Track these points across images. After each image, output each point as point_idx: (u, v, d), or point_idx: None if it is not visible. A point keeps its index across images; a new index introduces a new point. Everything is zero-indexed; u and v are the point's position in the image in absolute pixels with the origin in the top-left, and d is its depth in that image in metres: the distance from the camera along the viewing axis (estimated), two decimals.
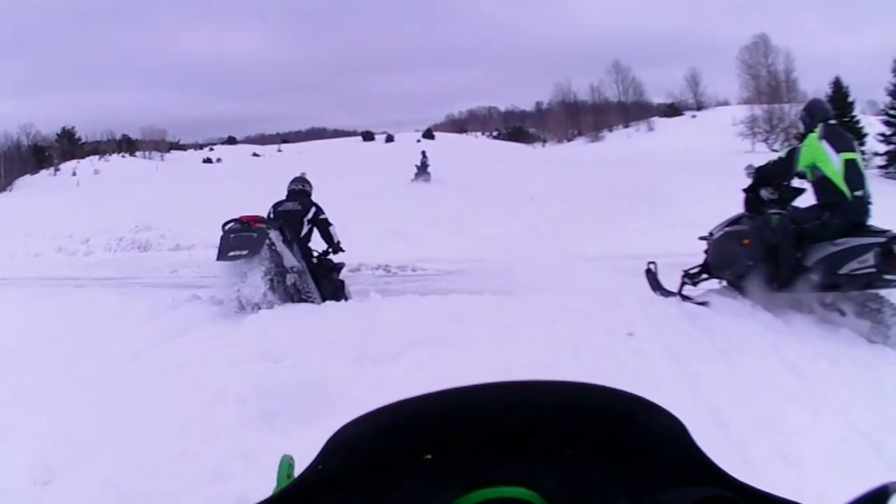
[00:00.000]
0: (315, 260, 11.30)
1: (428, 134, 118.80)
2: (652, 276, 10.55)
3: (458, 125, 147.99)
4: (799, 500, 0.90)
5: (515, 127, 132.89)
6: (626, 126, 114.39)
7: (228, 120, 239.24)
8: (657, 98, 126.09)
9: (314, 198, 11.79)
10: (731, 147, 72.65)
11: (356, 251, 16.74)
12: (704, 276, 10.08)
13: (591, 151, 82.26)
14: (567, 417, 1.01)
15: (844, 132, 8.80)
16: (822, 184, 8.51)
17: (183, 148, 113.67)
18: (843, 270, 8.07)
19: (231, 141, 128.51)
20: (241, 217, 10.28)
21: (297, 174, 12.61)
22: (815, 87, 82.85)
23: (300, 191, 11.75)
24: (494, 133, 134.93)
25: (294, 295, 10.43)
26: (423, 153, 45.57)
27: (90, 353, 8.26)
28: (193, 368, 7.21)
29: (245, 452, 5.20)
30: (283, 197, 11.63)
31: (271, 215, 11.23)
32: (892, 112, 52.34)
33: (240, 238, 9.95)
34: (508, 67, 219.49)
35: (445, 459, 0.98)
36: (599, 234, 20.16)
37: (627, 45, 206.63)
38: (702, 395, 6.19)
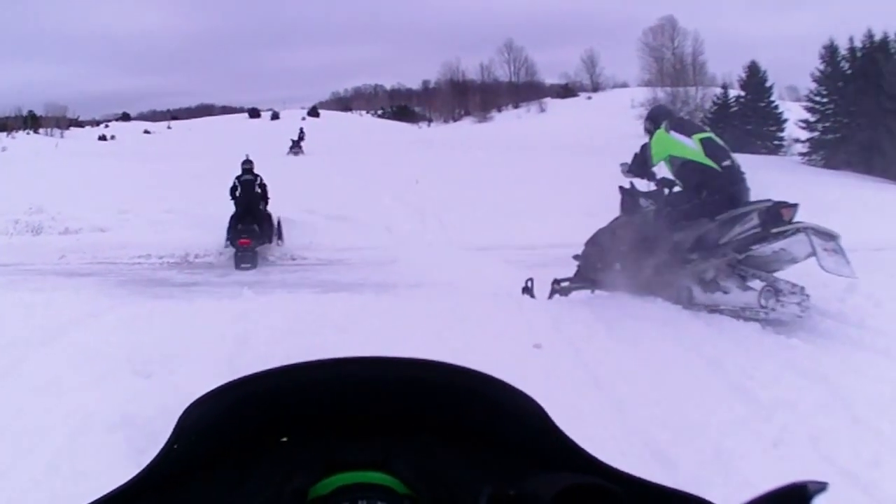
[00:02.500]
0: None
1: (313, 111, 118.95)
2: (528, 293, 10.53)
3: (344, 103, 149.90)
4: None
5: (401, 106, 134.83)
6: (517, 107, 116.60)
7: (124, 96, 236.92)
8: (551, 79, 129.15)
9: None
10: (630, 130, 73.72)
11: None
12: (575, 286, 10.49)
13: (479, 132, 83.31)
14: (420, 396, 1.03)
15: (690, 120, 9.10)
16: (688, 168, 9.09)
17: (81, 125, 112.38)
18: (726, 238, 8.63)
19: (125, 117, 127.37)
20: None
21: (243, 158, 19.89)
22: (728, 69, 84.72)
23: (250, 168, 19.45)
24: (379, 111, 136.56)
25: (268, 233, 18.58)
26: (301, 129, 50.60)
27: None
28: (58, 386, 6.48)
29: None
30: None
31: (236, 183, 19.10)
32: (816, 98, 53.06)
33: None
34: (397, 45, 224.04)
35: (302, 442, 1.00)
36: (490, 221, 20.27)
37: (522, 25, 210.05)
38: (636, 429, 5.53)
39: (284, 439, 1.01)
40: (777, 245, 8.49)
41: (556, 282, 10.57)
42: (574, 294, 10.32)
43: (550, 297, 10.39)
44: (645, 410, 5.74)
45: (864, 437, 5.20)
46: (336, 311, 8.59)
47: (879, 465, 4.77)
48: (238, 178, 19.18)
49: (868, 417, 5.51)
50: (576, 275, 10.59)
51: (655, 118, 9.87)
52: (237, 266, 16.96)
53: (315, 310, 8.73)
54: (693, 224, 8.94)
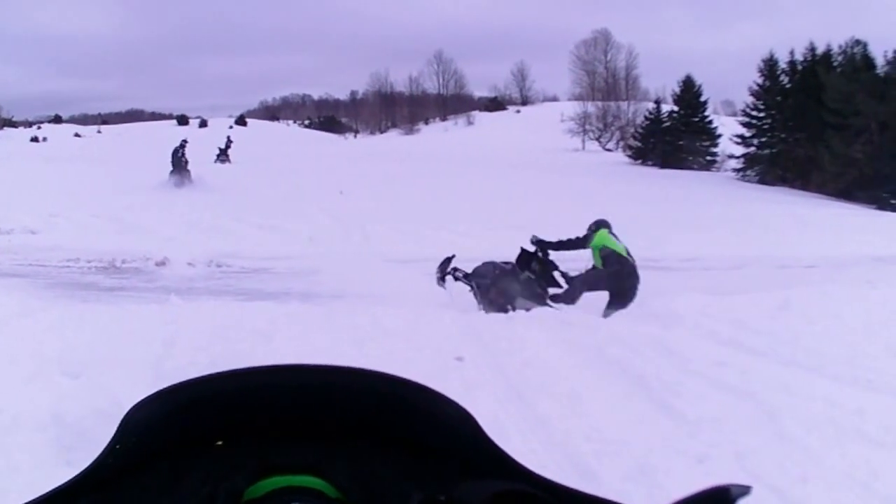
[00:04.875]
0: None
1: (240, 120, 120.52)
2: (446, 263, 12.93)
3: (271, 112, 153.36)
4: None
5: (328, 116, 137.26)
6: (444, 119, 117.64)
7: (56, 98, 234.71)
8: (480, 92, 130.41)
9: None
10: (559, 144, 74.43)
11: (159, 243, 19.04)
12: (464, 281, 12.81)
13: (406, 144, 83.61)
14: (353, 403, 1.06)
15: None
16: (610, 255, 12.49)
17: (15, 125, 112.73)
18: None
19: (57, 120, 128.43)
20: None
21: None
22: (661, 84, 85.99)
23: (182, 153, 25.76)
24: (306, 122, 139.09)
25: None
26: (228, 138, 50.53)
27: None
28: None
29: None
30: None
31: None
32: (753, 113, 53.83)
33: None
34: (326, 55, 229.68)
35: (237, 446, 1.02)
36: (414, 233, 20.77)
37: (453, 37, 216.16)
38: (560, 445, 5.58)
39: (220, 443, 1.03)
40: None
41: (455, 269, 12.85)
42: (493, 315, 10.79)
43: (443, 279, 12.75)
44: (568, 422, 5.82)
45: (792, 454, 5.27)
46: (261, 319, 8.71)
47: (807, 481, 4.84)
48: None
49: (797, 435, 5.61)
50: (468, 276, 12.76)
51: (598, 224, 13.09)
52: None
53: (241, 317, 8.86)
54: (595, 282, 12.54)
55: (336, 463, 0.99)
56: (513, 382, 6.84)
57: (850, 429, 5.76)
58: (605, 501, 0.92)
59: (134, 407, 1.02)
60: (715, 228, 24.13)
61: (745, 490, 0.82)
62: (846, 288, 10.93)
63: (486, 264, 12.71)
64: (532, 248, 12.69)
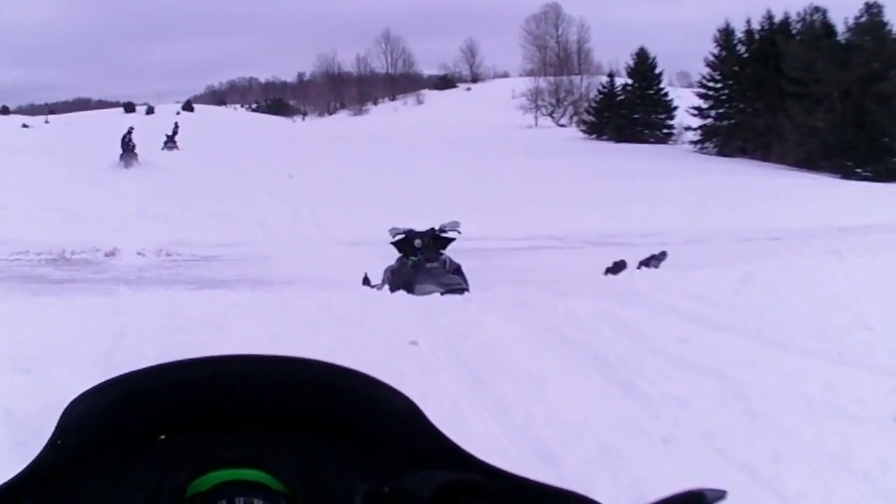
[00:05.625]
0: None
1: (187, 106, 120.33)
2: (366, 283, 12.55)
3: (219, 97, 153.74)
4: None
5: (276, 99, 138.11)
6: (393, 99, 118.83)
7: (2, 89, 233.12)
8: (429, 70, 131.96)
9: None
10: (511, 121, 74.63)
11: (109, 233, 19.68)
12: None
13: (355, 125, 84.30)
14: (295, 394, 1.07)
15: None
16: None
17: None
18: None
19: (4, 111, 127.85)
20: None
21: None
22: (614, 57, 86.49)
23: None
24: (254, 105, 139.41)
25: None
26: (175, 124, 52.39)
27: None
28: None
29: None
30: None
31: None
32: (710, 84, 54.11)
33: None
34: (272, 36, 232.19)
35: (180, 439, 1.03)
36: (364, 216, 21.03)
37: (401, 14, 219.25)
38: (521, 428, 5.48)
39: (163, 437, 1.04)
40: None
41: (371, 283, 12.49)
42: (452, 296, 10.62)
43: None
44: (528, 406, 5.75)
45: (763, 432, 5.21)
46: (211, 307, 8.69)
47: (780, 459, 4.78)
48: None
49: (767, 411, 5.52)
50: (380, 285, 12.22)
51: None
52: None
53: (191, 306, 8.82)
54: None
55: (279, 455, 0.99)
56: (470, 366, 6.72)
57: (822, 404, 5.66)
58: (556, 489, 0.94)
59: (73, 402, 1.02)
60: (674, 202, 24.35)
61: (720, 494, 0.83)
62: (811, 260, 10.88)
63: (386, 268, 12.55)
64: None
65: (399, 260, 11.99)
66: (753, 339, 7.47)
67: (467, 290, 10.97)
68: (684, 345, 7.18)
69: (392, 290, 11.17)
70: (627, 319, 8.11)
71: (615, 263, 12.23)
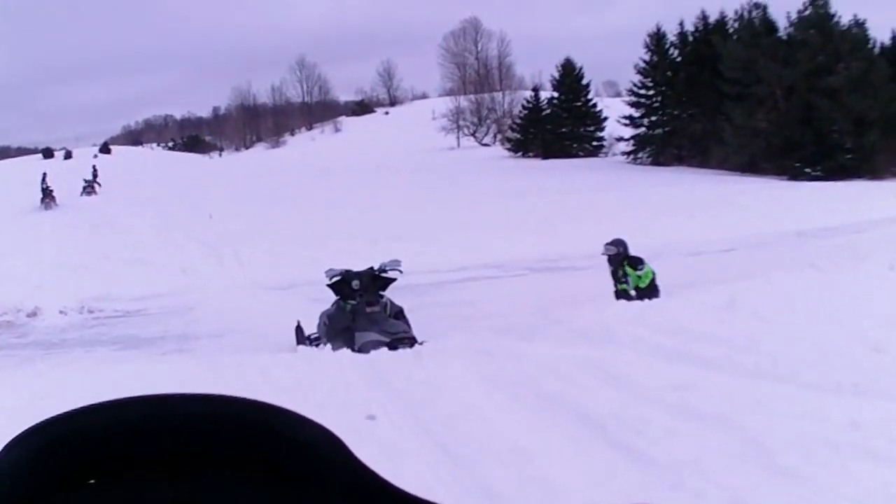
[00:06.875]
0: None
1: (104, 148, 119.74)
2: (300, 333, 12.33)
3: (135, 137, 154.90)
4: None
5: (191, 136, 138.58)
6: (310, 128, 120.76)
7: None
8: (346, 96, 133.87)
9: None
10: (433, 144, 75.11)
11: (29, 291, 19.21)
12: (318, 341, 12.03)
13: (272, 158, 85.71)
14: (218, 432, 1.02)
15: None
16: None
17: None
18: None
19: None
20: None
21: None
22: (537, 70, 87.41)
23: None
24: (170, 143, 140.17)
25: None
26: (94, 168, 52.43)
27: None
28: None
29: None
30: None
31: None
32: (641, 91, 54.50)
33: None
34: (184, 72, 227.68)
35: (110, 484, 0.99)
36: (290, 255, 21.28)
37: (314, 41, 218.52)
38: None
39: (92, 481, 0.96)
40: None
41: (308, 337, 12.21)
42: (404, 352, 10.18)
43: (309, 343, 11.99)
44: (519, 489, 5.16)
45: (795, 490, 4.79)
46: (136, 385, 8.01)
47: None
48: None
49: (792, 464, 5.04)
50: (318, 338, 12.10)
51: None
52: None
53: (118, 384, 8.07)
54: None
55: (203, 497, 0.95)
56: (441, 442, 6.10)
57: (851, 447, 5.22)
58: None
59: (3, 449, 0.97)
60: (613, 218, 24.03)
61: None
62: (791, 276, 10.48)
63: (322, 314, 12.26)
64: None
65: (336, 304, 11.76)
66: (752, 375, 7.06)
67: (415, 340, 10.46)
68: (678, 392, 6.65)
69: (330, 339, 11.02)
70: (607, 365, 7.67)
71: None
